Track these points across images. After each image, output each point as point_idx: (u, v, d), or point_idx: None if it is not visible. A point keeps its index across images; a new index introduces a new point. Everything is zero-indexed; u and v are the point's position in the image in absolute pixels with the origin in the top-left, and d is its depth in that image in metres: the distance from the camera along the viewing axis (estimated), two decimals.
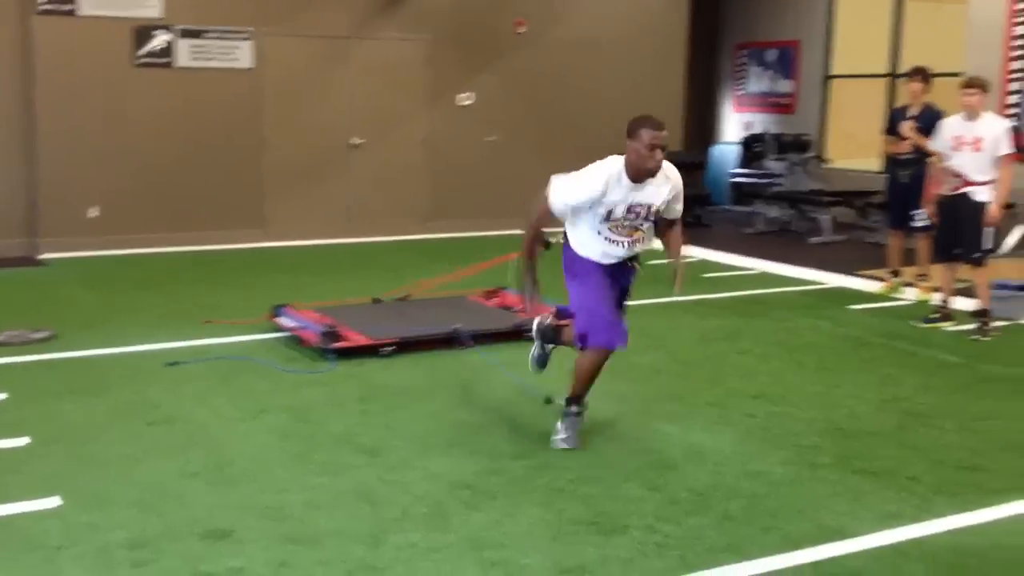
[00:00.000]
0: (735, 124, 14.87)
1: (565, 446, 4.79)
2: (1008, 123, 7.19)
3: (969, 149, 7.03)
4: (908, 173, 8.09)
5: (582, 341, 4.75)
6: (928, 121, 7.86)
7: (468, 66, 12.01)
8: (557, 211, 4.77)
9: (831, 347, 6.88)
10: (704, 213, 13.30)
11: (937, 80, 8.42)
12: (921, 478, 4.54)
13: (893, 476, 4.55)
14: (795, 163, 13.43)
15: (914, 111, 8.09)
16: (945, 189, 7.22)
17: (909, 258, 8.45)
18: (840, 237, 11.68)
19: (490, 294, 7.70)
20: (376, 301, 7.53)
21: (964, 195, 7.08)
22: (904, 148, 8.11)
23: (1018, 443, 5.05)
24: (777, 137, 13.51)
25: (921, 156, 7.95)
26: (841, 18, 13.49)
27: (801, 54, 13.83)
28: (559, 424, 4.87)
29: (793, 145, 13.42)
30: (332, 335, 6.37)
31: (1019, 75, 10.80)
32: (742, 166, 14.19)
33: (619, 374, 6.02)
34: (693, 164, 13.57)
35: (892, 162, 8.39)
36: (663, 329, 7.30)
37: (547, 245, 4.93)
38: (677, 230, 4.93)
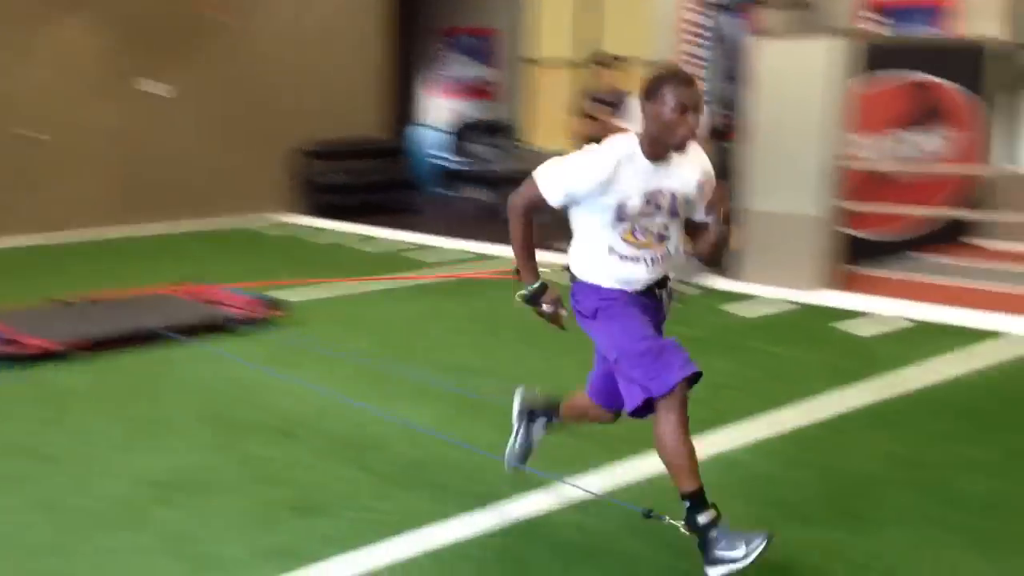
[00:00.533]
0: (440, 110, 15.07)
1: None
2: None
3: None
4: None
5: (646, 394, 3.36)
6: (619, 104, 8.30)
7: (156, 55, 11.42)
8: (553, 201, 3.52)
9: (533, 322, 7.02)
10: (415, 197, 13.43)
11: (627, 64, 8.94)
12: (615, 433, 4.72)
13: (595, 435, 4.67)
14: (500, 147, 13.81)
15: (611, 96, 8.52)
16: None
17: None
18: (545, 217, 12.09)
19: (188, 288, 7.38)
20: (58, 303, 6.98)
21: None
22: (595, 129, 8.50)
23: (696, 395, 5.36)
24: (482, 122, 13.84)
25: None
26: (540, 5, 13.96)
27: (500, 41, 14.21)
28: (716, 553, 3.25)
29: (497, 130, 13.80)
30: (2, 340, 5.87)
31: (695, 60, 11.59)
32: (449, 151, 14.42)
33: (317, 361, 5.96)
34: (398, 150, 13.69)
35: (585, 144, 8.75)
36: (375, 314, 7.30)
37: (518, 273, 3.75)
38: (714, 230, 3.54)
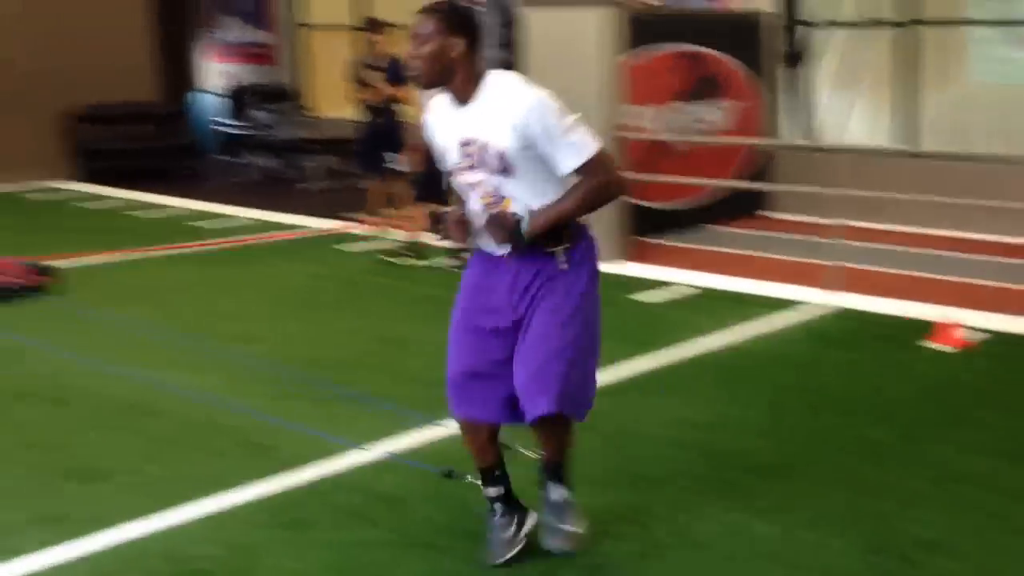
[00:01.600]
0: (217, 74, 14.70)
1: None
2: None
3: None
4: (379, 121, 8.59)
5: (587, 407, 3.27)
6: (393, 69, 8.39)
7: None
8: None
9: (316, 287, 7.21)
10: (194, 164, 13.12)
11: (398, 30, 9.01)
12: (399, 397, 4.91)
13: (375, 399, 4.88)
14: (280, 113, 13.64)
15: (381, 62, 8.59)
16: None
17: (390, 200, 8.98)
18: (331, 183, 12.10)
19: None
20: None
21: None
22: (375, 96, 8.59)
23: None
24: (260, 87, 13.63)
25: (389, 103, 8.47)
26: None
27: (273, 3, 13.99)
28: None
29: (275, 95, 13.63)
30: None
31: None
32: (229, 116, 14.12)
33: (89, 329, 5.86)
34: (174, 115, 13.32)
35: (365, 110, 8.85)
36: (150, 283, 7.19)
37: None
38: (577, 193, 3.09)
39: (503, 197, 3.10)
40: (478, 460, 3.36)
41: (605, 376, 5.27)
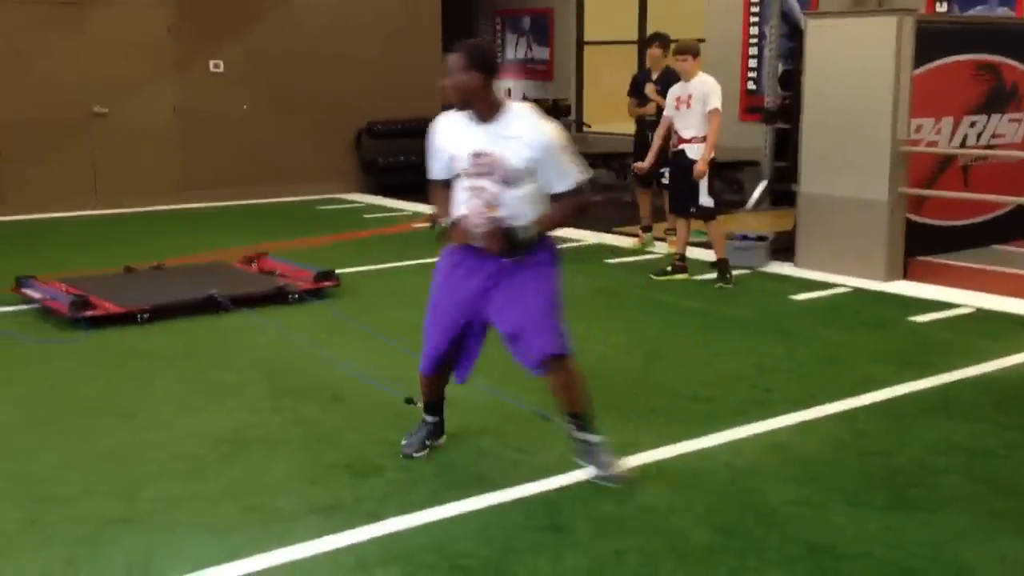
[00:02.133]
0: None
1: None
2: (713, 80, 7.60)
3: (683, 107, 7.53)
4: (653, 134, 8.56)
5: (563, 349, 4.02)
6: (667, 84, 8.36)
7: (215, 33, 11.73)
8: (433, 177, 4.15)
9: (584, 298, 7.24)
10: None
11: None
12: (660, 410, 4.89)
13: (634, 410, 4.88)
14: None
15: (656, 74, 8.57)
16: (671, 147, 7.74)
17: (660, 215, 8.95)
18: (599, 197, 12.19)
19: (250, 259, 7.62)
20: (128, 270, 7.31)
21: (681, 152, 7.59)
22: (649, 110, 8.59)
23: (745, 376, 5.49)
24: (537, 102, 13.89)
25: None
26: None
27: (555, 21, 14.29)
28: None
29: (552, 110, 13.86)
30: (82, 304, 6.17)
31: (755, 40, 11.59)
32: None
33: (377, 329, 6.15)
34: None
35: (639, 123, 8.86)
36: (419, 288, 7.40)
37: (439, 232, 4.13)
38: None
39: (497, 205, 3.80)
40: (428, 396, 4.32)
41: (868, 393, 5.12)
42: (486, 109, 3.81)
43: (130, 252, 8.19)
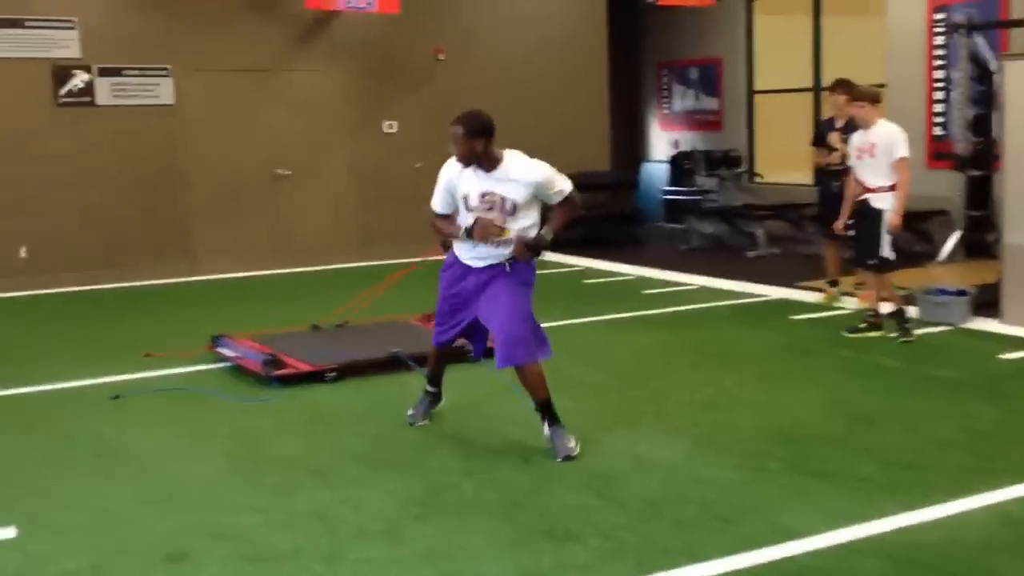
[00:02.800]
0: (662, 142, 15.07)
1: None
2: (897, 128, 7.27)
3: (866, 156, 7.21)
4: (839, 183, 8.26)
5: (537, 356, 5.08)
6: (853, 132, 8.06)
7: (388, 95, 12.04)
8: (437, 210, 5.24)
9: (773, 356, 6.98)
10: (639, 231, 13.46)
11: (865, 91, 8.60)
12: (869, 478, 4.59)
13: (842, 477, 4.60)
14: (725, 179, 13.65)
15: (840, 122, 8.28)
16: (853, 199, 7.41)
17: (846, 267, 8.59)
18: (775, 250, 11.86)
19: (428, 317, 7.65)
20: (315, 328, 7.46)
21: (865, 201, 7.25)
22: (834, 159, 8.29)
23: (959, 442, 5.13)
24: (706, 154, 13.72)
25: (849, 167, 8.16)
26: (761, 34, 13.77)
27: (724, 71, 14.08)
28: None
29: (723, 161, 13.65)
30: (274, 363, 6.31)
31: (942, 85, 11.10)
32: (672, 183, 14.38)
33: (560, 391, 6.04)
34: (623, 183, 13.72)
35: (823, 173, 8.56)
36: (601, 346, 7.37)
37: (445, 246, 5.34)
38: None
39: (503, 228, 4.91)
40: (432, 368, 5.49)
41: None
42: (488, 162, 4.92)
43: (314, 310, 8.38)
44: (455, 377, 6.14)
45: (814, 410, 5.68)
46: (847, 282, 8.65)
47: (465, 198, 4.96)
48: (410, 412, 5.43)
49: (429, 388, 5.49)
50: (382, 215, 11.97)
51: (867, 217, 7.21)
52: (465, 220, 4.98)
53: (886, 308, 7.42)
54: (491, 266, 5.00)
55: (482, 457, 4.94)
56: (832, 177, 8.36)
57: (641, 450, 4.99)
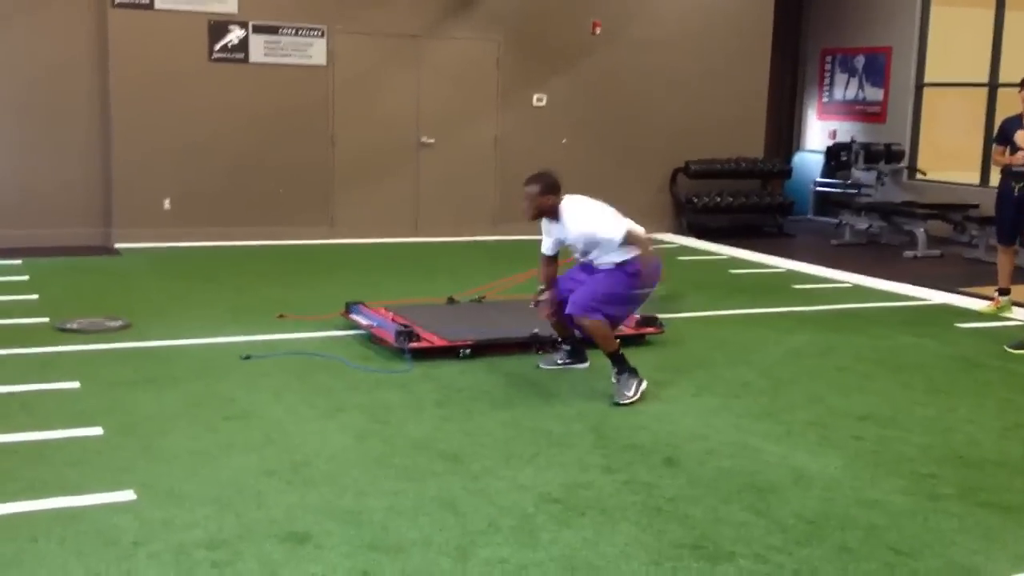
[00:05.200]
0: (818, 132, 14.37)
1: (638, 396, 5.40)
2: None
3: None
4: (1022, 186, 7.61)
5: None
6: None
7: (540, 67, 11.74)
8: (544, 252, 5.80)
9: (939, 367, 6.44)
10: (786, 223, 12.88)
11: None
12: None
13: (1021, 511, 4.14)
14: (884, 173, 12.92)
15: None
16: None
17: (1019, 276, 7.96)
18: (936, 252, 11.15)
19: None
20: (451, 301, 7.25)
21: None
22: (1018, 159, 7.63)
23: None
24: (865, 146, 12.98)
25: None
26: (935, 25, 12.94)
27: (892, 61, 13.30)
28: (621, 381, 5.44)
29: (883, 155, 12.90)
30: (409, 335, 6.11)
31: None
32: (826, 175, 13.72)
33: (705, 387, 5.70)
34: (773, 172, 13.12)
35: (1004, 174, 7.89)
36: (748, 342, 6.92)
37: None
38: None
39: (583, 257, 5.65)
40: (560, 332, 5.94)
41: None
42: (555, 214, 5.56)
43: (448, 282, 8.20)
44: (598, 363, 5.86)
45: (988, 431, 5.16)
46: (1019, 291, 7.99)
47: (562, 242, 5.69)
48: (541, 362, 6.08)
49: (564, 345, 6.07)
50: (521, 190, 11.69)
51: None
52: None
53: None
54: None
55: (624, 454, 4.61)
56: (1015, 179, 7.71)
57: (798, 462, 4.58)
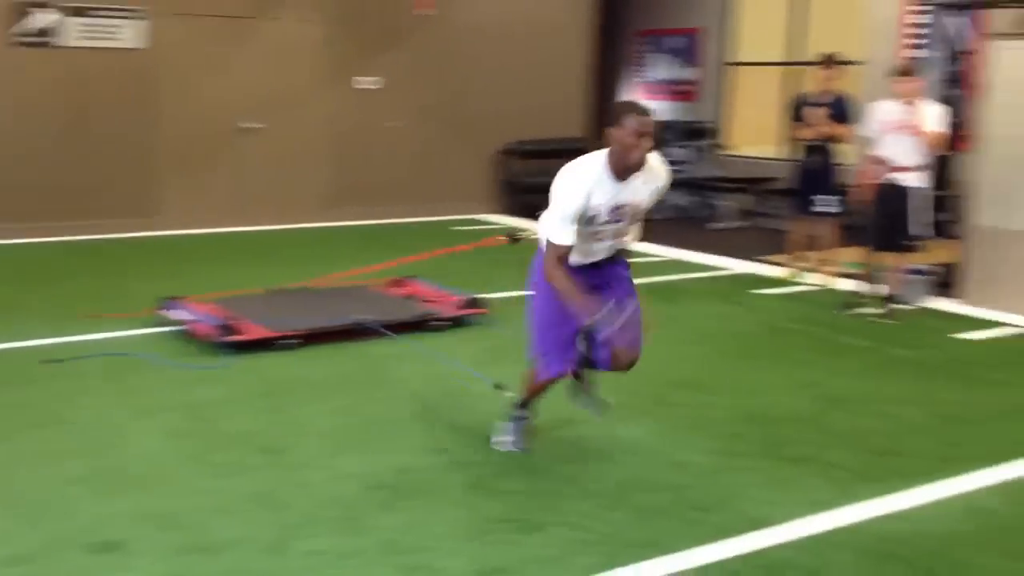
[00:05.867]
0: None
1: (511, 449, 4.50)
2: (942, 108, 7.14)
3: (907, 134, 7.01)
4: (815, 159, 8.11)
5: (537, 363, 4.35)
6: (839, 108, 7.93)
7: (370, 49, 11.66)
8: (571, 242, 4.06)
9: (740, 333, 6.82)
10: None
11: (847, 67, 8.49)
12: (842, 464, 4.47)
13: (815, 462, 4.47)
14: (697, 150, 13.46)
15: (825, 98, 8.10)
16: (875, 177, 7.19)
17: (811, 244, 8.50)
18: (742, 223, 11.72)
19: (396, 283, 7.42)
20: (274, 291, 7.18)
21: (894, 182, 7.09)
22: (810, 134, 8.12)
23: (929, 427, 5.04)
24: (680, 124, 13.50)
25: (827, 143, 8.03)
26: (743, 6, 13.52)
27: (703, 41, 13.84)
28: (506, 424, 4.53)
29: (695, 132, 13.44)
30: (228, 328, 6.02)
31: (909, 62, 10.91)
32: None
33: (525, 364, 5.84)
34: (595, 151, 13.45)
35: (800, 148, 8.39)
36: None
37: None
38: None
39: (614, 236, 4.18)
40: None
41: None
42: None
43: (275, 271, 8.09)
44: (428, 343, 5.93)
45: (786, 390, 5.53)
46: (812, 258, 8.53)
47: (592, 218, 4.04)
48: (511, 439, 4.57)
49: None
50: (354, 174, 11.62)
51: (900, 197, 7.03)
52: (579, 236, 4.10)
53: (885, 287, 7.30)
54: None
55: (448, 435, 4.71)
56: (809, 153, 8.21)
57: (613, 431, 4.79)
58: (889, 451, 4.68)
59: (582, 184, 3.99)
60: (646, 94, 14.59)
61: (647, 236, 10.36)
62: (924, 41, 10.47)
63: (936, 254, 8.26)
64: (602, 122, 14.75)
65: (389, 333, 6.20)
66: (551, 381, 4.36)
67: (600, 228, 4.08)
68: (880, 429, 4.96)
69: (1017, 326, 7.05)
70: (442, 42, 12.04)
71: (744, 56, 13.55)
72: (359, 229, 11.04)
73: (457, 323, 6.64)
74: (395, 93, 11.80)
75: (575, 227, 4.01)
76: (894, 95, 7.10)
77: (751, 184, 12.21)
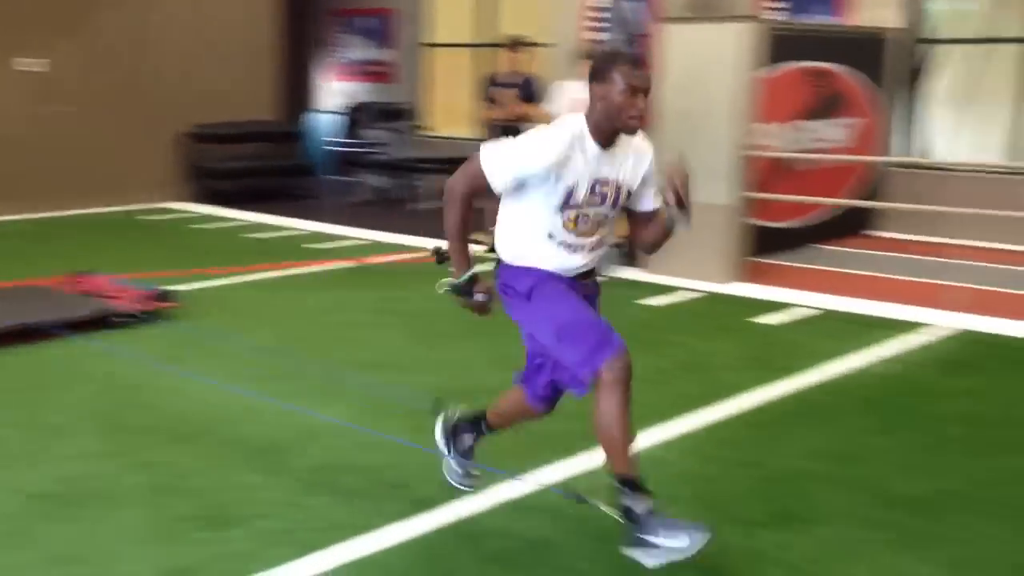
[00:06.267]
0: (334, 93, 14.66)
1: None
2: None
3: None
4: (507, 139, 8.33)
5: (591, 367, 3.16)
6: (528, 89, 8.18)
7: (34, 29, 10.79)
8: (499, 186, 3.30)
9: (441, 311, 6.88)
10: (313, 184, 13.06)
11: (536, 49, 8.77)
12: (530, 429, 4.58)
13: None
14: (397, 132, 13.50)
15: (514, 79, 8.34)
16: None
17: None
18: (438, 203, 11.87)
19: (73, 280, 6.92)
20: None
21: None
22: (500, 115, 8.33)
23: None
24: (377, 106, 13.48)
25: (517, 122, 8.26)
26: None
27: (397, 22, 13.87)
28: (635, 551, 3.13)
29: (393, 114, 13.47)
30: None
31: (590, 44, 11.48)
32: (344, 136, 14.04)
33: (216, 356, 5.64)
34: (291, 134, 13.24)
35: (491, 129, 8.58)
36: (264, 306, 6.98)
37: (440, 257, 3.62)
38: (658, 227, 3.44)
39: (597, 229, 3.36)
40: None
41: (733, 402, 5.07)
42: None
43: None
44: (110, 341, 5.58)
45: (481, 365, 5.64)
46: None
47: (570, 191, 3.24)
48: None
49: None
50: (17, 163, 10.68)
51: None
52: (552, 225, 3.30)
53: None
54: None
55: (130, 437, 4.44)
56: (503, 133, 8.39)
57: (308, 418, 4.69)
58: (566, 413, 4.84)
59: (559, 138, 3.21)
60: (341, 75, 14.47)
61: (347, 219, 10.50)
62: (605, 25, 11.11)
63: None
64: (300, 104, 14.60)
65: (63, 332, 5.77)
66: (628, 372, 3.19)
67: (580, 211, 3.26)
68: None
69: (693, 290, 7.59)
70: (119, 22, 11.35)
71: (440, 38, 13.70)
72: (28, 224, 10.22)
73: (144, 318, 6.29)
74: (64, 77, 10.98)
75: (515, 181, 3.25)
76: (580, 76, 7.41)
77: (451, 164, 12.36)
